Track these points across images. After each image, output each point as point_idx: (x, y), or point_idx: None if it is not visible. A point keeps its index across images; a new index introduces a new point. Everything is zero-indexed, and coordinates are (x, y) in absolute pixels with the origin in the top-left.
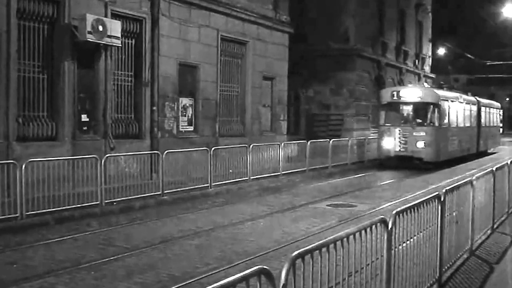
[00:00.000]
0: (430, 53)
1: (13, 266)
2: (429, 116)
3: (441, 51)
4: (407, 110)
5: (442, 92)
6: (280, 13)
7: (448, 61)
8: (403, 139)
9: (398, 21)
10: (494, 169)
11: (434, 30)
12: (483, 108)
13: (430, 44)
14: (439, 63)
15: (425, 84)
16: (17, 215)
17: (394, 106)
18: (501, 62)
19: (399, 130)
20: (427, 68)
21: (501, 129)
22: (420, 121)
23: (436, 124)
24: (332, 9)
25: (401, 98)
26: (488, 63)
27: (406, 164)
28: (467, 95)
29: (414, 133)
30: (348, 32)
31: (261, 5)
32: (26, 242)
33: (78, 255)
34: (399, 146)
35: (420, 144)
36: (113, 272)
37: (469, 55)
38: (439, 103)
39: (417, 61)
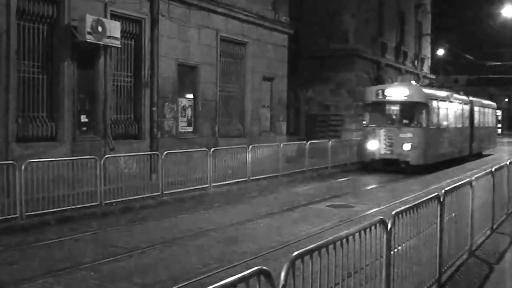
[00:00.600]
0: (429, 54)
1: (14, 267)
2: (416, 116)
3: (441, 51)
4: (393, 110)
5: (430, 91)
6: (280, 13)
7: (447, 62)
8: (389, 141)
9: (397, 21)
10: (493, 169)
11: (433, 30)
12: (476, 108)
13: (430, 45)
14: (439, 63)
15: (413, 82)
16: (17, 215)
17: (379, 105)
18: (501, 63)
19: (385, 132)
20: (426, 69)
21: (499, 130)
22: (407, 121)
23: (424, 124)
24: (331, 10)
25: (387, 97)
26: (487, 64)
27: (391, 167)
28: (459, 94)
29: (401, 135)
30: (348, 33)
31: (261, 5)
32: (26, 243)
33: (78, 255)
34: (385, 148)
35: (407, 146)
36: (113, 273)
37: (468, 56)
38: (428, 102)
39: (416, 61)
